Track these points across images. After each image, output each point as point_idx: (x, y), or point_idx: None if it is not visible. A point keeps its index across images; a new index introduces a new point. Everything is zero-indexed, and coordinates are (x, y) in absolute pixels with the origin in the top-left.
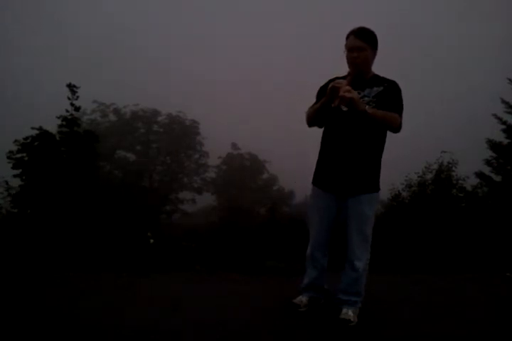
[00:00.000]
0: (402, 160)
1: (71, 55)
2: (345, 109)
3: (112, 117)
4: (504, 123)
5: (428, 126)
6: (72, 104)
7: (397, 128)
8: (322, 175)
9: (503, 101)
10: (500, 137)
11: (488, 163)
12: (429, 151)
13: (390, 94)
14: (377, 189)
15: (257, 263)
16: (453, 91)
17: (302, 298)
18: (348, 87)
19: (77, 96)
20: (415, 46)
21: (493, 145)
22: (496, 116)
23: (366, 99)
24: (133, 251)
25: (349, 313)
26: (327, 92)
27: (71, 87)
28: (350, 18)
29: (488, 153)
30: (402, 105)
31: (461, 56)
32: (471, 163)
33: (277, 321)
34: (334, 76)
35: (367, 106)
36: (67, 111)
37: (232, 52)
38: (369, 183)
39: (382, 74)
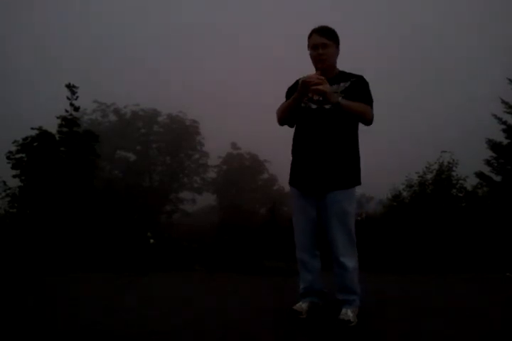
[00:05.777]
0: (402, 160)
1: (71, 55)
2: (318, 98)
3: (112, 117)
4: (504, 123)
5: (428, 126)
6: (71, 104)
7: (370, 120)
8: (298, 175)
9: (503, 101)
10: (500, 137)
11: (488, 163)
12: (429, 151)
13: (358, 88)
14: (353, 184)
15: (257, 263)
16: (452, 92)
17: (302, 305)
18: (319, 80)
19: (77, 97)
20: (414, 46)
21: (493, 145)
22: (495, 116)
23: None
24: (133, 251)
25: (348, 313)
26: (298, 88)
27: (70, 87)
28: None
29: (488, 153)
30: (371, 98)
31: (460, 56)
32: (471, 163)
33: (277, 321)
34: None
35: (340, 98)
36: (66, 111)
37: (232, 52)
38: (344, 179)
39: (348, 72)
